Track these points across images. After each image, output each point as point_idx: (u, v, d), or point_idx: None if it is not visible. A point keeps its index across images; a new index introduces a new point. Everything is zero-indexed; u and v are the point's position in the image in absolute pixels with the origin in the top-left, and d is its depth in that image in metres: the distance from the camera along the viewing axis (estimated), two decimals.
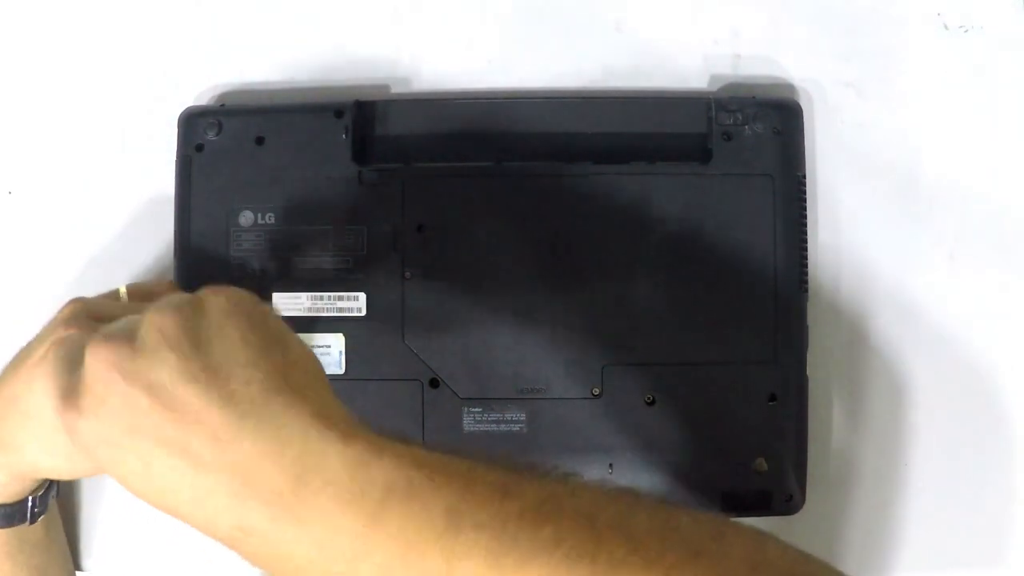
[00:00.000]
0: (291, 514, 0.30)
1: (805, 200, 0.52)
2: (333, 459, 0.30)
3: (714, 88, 0.55)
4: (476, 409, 0.51)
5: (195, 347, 0.33)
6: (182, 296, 0.35)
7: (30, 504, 0.47)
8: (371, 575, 0.30)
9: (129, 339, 0.33)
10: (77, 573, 0.55)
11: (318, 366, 0.35)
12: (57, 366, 0.39)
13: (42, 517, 0.48)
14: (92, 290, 0.55)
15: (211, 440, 0.31)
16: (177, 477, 0.31)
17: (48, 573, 0.51)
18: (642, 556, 0.29)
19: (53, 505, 0.50)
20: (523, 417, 0.51)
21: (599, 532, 0.29)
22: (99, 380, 0.33)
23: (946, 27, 0.55)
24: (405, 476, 0.30)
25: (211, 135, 0.52)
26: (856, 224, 0.54)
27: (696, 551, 0.29)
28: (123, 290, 0.49)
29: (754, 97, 0.52)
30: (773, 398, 0.51)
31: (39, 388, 0.40)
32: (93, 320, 0.42)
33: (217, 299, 0.35)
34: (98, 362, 0.33)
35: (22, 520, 0.47)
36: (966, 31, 0.55)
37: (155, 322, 0.33)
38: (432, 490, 0.30)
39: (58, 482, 0.49)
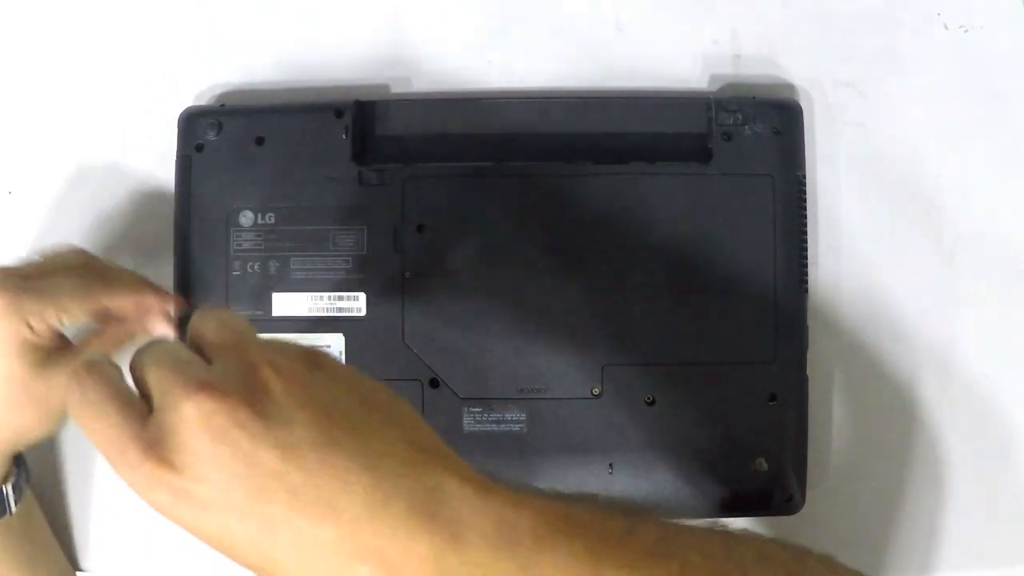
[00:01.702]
0: (448, 570, 0.30)
1: (805, 200, 0.52)
2: (481, 515, 0.30)
3: (714, 88, 0.55)
4: (476, 409, 0.51)
5: (328, 410, 0.31)
6: (293, 346, 0.33)
7: (7, 493, 0.48)
8: None
9: (246, 395, 0.30)
10: (77, 573, 0.55)
11: (427, 424, 0.34)
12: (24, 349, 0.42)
13: (21, 506, 0.49)
14: None
15: (364, 498, 0.30)
16: (316, 540, 0.30)
17: (38, 563, 0.52)
18: None
19: (30, 495, 0.50)
20: (523, 417, 0.51)
21: (714, 561, 0.33)
22: (210, 436, 0.30)
23: (946, 27, 0.55)
24: (547, 524, 0.31)
25: (211, 135, 0.52)
26: (856, 224, 0.54)
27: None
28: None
29: (754, 97, 0.52)
30: (773, 398, 0.51)
31: None
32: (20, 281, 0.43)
33: (328, 358, 0.33)
34: (210, 415, 0.30)
35: (2, 512, 0.48)
36: (966, 31, 0.55)
37: (279, 378, 0.31)
38: (573, 536, 0.31)
39: (28, 469, 0.50)
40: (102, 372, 0.33)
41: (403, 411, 0.33)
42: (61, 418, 0.46)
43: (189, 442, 0.30)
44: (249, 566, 0.31)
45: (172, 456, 0.30)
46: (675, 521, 0.34)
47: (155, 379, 0.32)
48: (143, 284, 0.48)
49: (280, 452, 0.30)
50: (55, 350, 0.45)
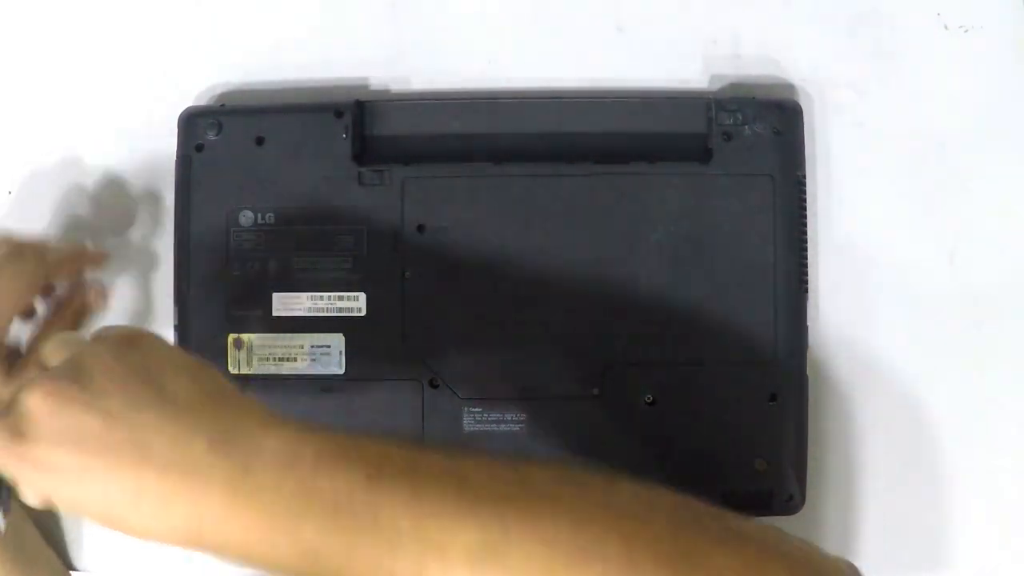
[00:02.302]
0: (241, 494, 0.35)
1: (805, 200, 0.52)
2: (267, 446, 0.36)
3: (714, 88, 0.55)
4: (476, 409, 0.51)
5: (140, 378, 0.37)
6: (113, 333, 0.39)
7: None
8: (312, 535, 0.34)
9: (71, 377, 0.37)
10: (72, 573, 0.55)
11: (230, 383, 0.39)
12: None
13: (9, 520, 0.49)
14: None
15: (170, 443, 0.36)
16: (137, 486, 0.35)
17: (38, 564, 0.52)
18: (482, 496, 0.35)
19: (17, 506, 0.50)
20: (523, 417, 0.51)
21: (501, 483, 0.36)
22: (47, 412, 0.36)
23: (946, 27, 0.55)
24: (328, 451, 0.36)
25: (211, 135, 0.52)
26: (856, 224, 0.54)
27: (548, 496, 0.36)
28: None
29: (754, 97, 0.52)
30: (773, 398, 0.51)
31: None
32: None
33: (145, 337, 0.39)
34: (46, 396, 0.36)
35: None
36: (966, 31, 0.55)
37: (97, 361, 0.37)
38: (354, 460, 0.36)
39: (8, 485, 0.50)
40: None
41: (208, 374, 0.39)
42: None
43: (37, 419, 0.36)
44: (103, 522, 0.36)
45: (28, 432, 0.36)
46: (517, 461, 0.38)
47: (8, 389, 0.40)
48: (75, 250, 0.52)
49: (102, 417, 0.36)
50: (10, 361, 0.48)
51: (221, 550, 0.36)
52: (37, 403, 0.36)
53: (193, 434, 0.36)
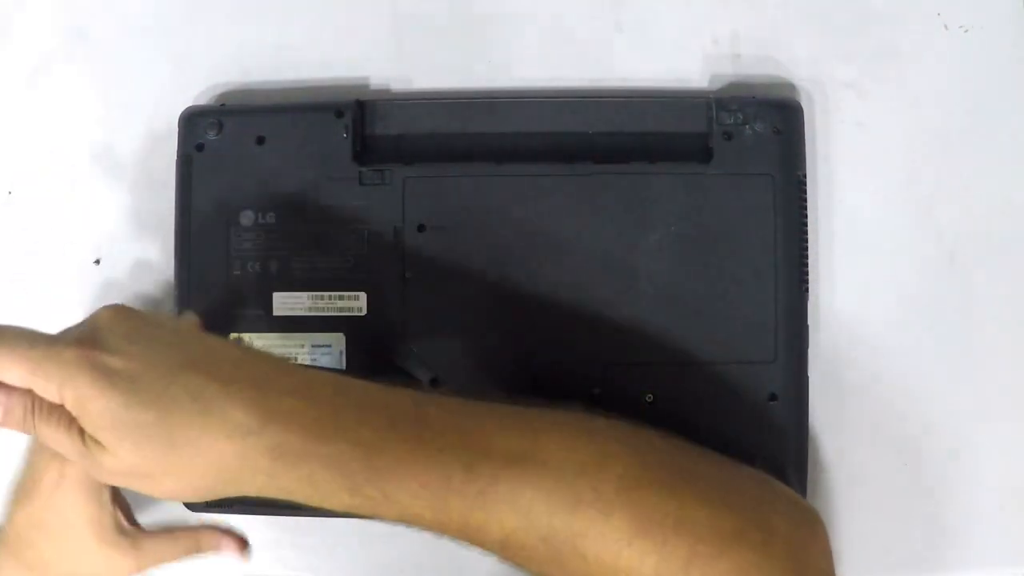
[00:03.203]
0: (307, 401, 0.40)
1: (805, 200, 0.52)
2: (320, 374, 0.42)
3: (714, 88, 0.55)
4: None
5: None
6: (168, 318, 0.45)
7: None
8: (370, 435, 0.40)
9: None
10: None
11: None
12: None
13: None
14: (92, 290, 0.55)
15: (234, 362, 0.40)
16: (204, 391, 0.39)
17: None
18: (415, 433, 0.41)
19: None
20: None
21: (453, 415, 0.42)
22: (117, 319, 0.40)
23: (946, 27, 0.55)
24: (371, 384, 0.42)
25: (211, 135, 0.52)
26: (856, 224, 0.54)
27: (562, 420, 0.43)
28: None
29: (754, 97, 0.52)
30: (773, 398, 0.51)
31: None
32: None
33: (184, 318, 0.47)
34: (116, 311, 0.41)
35: None
36: (966, 31, 0.55)
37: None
38: (396, 391, 0.42)
39: None
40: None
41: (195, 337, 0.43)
42: None
43: (107, 327, 0.40)
44: (155, 439, 0.39)
45: (96, 339, 0.39)
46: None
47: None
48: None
49: (169, 333, 0.42)
50: None
51: (284, 466, 0.39)
52: (109, 315, 0.40)
53: (258, 357, 0.42)
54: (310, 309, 0.52)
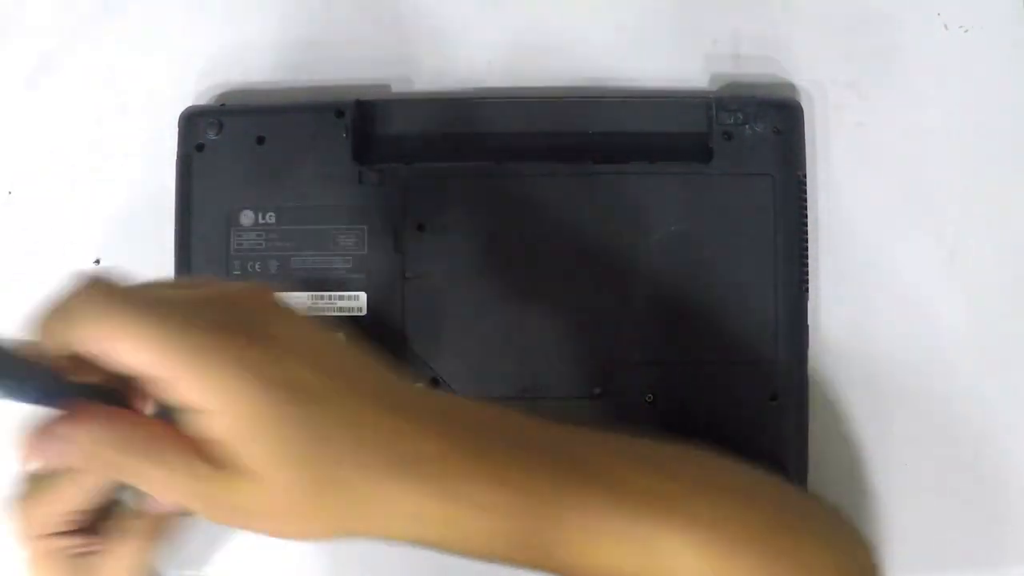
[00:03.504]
0: (451, 437, 0.36)
1: (805, 200, 0.52)
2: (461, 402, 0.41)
3: (715, 88, 0.55)
4: None
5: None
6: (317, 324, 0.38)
7: None
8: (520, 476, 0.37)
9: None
10: None
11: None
12: None
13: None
14: None
15: (377, 380, 0.37)
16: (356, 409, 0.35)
17: None
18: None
19: None
20: None
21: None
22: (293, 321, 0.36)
23: (946, 27, 0.55)
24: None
25: (211, 135, 0.52)
26: (856, 224, 0.54)
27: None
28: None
29: (754, 97, 0.52)
30: (774, 398, 0.51)
31: None
32: None
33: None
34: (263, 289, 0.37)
35: None
36: (966, 31, 0.55)
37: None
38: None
39: None
40: None
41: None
42: None
43: (284, 323, 0.35)
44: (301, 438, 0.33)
45: (270, 332, 0.33)
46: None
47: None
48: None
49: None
50: None
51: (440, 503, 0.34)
52: (267, 296, 0.36)
53: (398, 379, 0.38)
54: (310, 309, 0.52)
